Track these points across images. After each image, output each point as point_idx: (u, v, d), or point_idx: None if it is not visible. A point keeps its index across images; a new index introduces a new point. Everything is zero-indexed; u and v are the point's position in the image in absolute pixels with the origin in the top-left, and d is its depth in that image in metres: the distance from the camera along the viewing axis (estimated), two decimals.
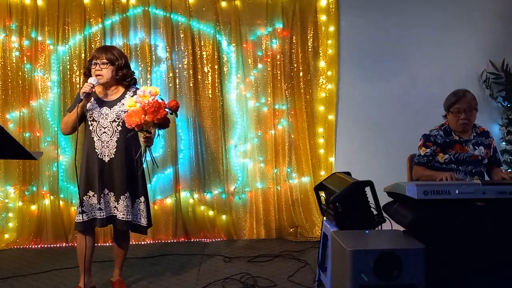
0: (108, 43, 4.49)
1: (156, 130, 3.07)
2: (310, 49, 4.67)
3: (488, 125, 4.26)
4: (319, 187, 3.52)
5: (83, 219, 3.14)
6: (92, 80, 3.09)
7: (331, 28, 4.67)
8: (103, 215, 3.17)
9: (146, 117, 2.86)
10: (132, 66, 4.52)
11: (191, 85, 4.60)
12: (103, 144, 3.15)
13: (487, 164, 3.43)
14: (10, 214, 4.53)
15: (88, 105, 3.16)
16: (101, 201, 3.16)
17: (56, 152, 4.52)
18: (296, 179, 4.73)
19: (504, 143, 4.75)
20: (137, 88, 3.25)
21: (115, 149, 3.16)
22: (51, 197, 4.52)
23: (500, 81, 4.73)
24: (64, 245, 4.49)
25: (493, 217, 2.61)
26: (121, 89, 3.24)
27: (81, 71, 4.35)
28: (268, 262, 3.98)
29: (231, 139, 4.69)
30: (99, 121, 3.15)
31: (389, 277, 2.42)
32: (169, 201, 4.64)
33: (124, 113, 3.05)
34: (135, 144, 3.19)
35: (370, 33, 4.71)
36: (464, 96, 3.30)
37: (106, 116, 3.15)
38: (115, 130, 3.14)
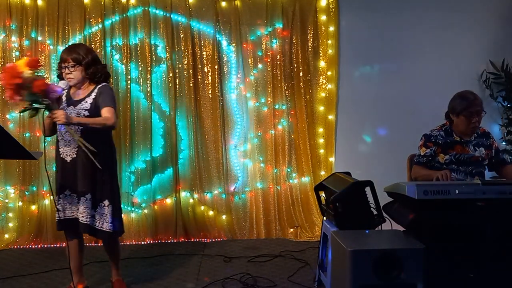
0: (108, 43, 4.50)
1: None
2: (310, 49, 4.67)
3: (488, 125, 4.26)
4: (319, 187, 3.52)
5: (59, 217, 3.10)
6: (62, 83, 3.04)
7: (331, 28, 4.67)
8: (61, 216, 3.08)
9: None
10: (132, 66, 4.54)
11: (191, 85, 4.60)
12: (65, 143, 3.08)
13: (493, 166, 3.43)
14: (10, 214, 4.53)
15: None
16: (60, 202, 3.09)
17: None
18: (296, 179, 4.73)
19: (504, 143, 4.74)
20: (106, 84, 3.15)
21: (76, 149, 3.04)
22: (51, 197, 4.52)
23: (500, 81, 4.73)
24: (64, 245, 4.46)
25: (493, 217, 2.62)
26: (91, 87, 3.14)
27: None
28: (268, 262, 3.98)
29: (231, 139, 4.69)
30: None
31: (389, 277, 2.42)
32: (169, 201, 4.64)
33: (85, 111, 3.01)
34: (98, 144, 2.97)
35: (370, 33, 4.71)
36: (475, 99, 3.28)
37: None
38: (77, 129, 3.00)
